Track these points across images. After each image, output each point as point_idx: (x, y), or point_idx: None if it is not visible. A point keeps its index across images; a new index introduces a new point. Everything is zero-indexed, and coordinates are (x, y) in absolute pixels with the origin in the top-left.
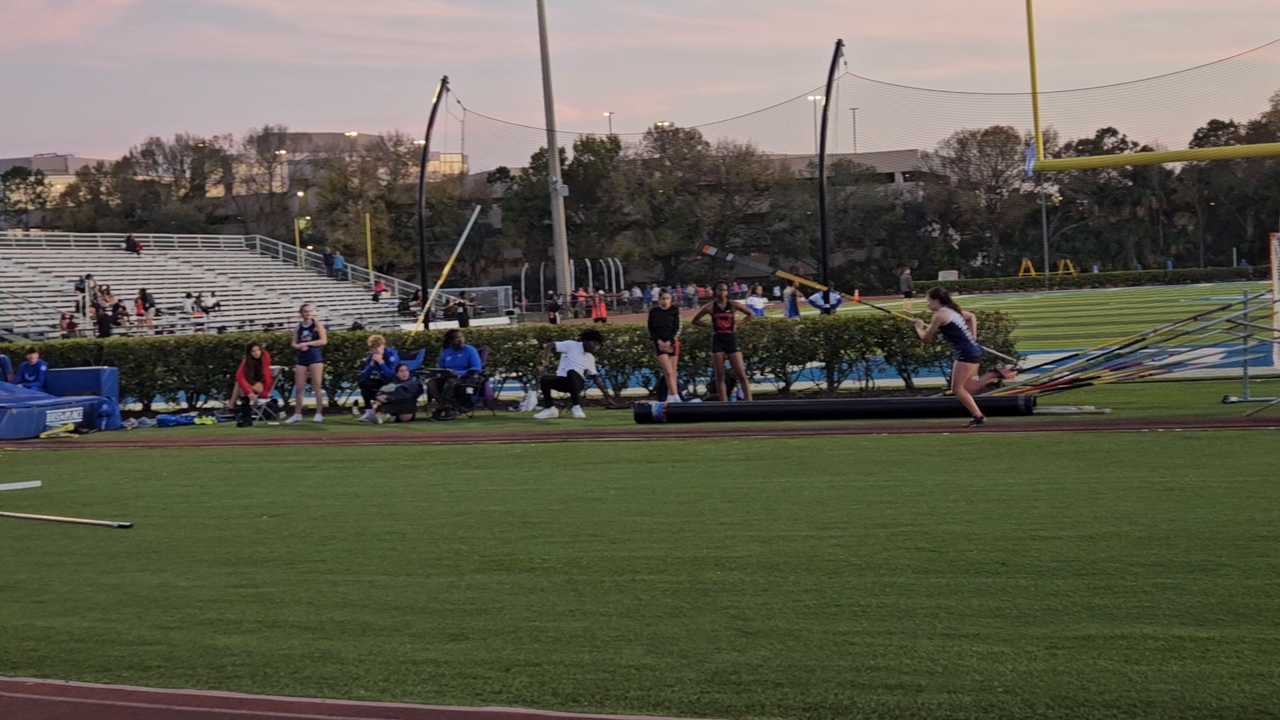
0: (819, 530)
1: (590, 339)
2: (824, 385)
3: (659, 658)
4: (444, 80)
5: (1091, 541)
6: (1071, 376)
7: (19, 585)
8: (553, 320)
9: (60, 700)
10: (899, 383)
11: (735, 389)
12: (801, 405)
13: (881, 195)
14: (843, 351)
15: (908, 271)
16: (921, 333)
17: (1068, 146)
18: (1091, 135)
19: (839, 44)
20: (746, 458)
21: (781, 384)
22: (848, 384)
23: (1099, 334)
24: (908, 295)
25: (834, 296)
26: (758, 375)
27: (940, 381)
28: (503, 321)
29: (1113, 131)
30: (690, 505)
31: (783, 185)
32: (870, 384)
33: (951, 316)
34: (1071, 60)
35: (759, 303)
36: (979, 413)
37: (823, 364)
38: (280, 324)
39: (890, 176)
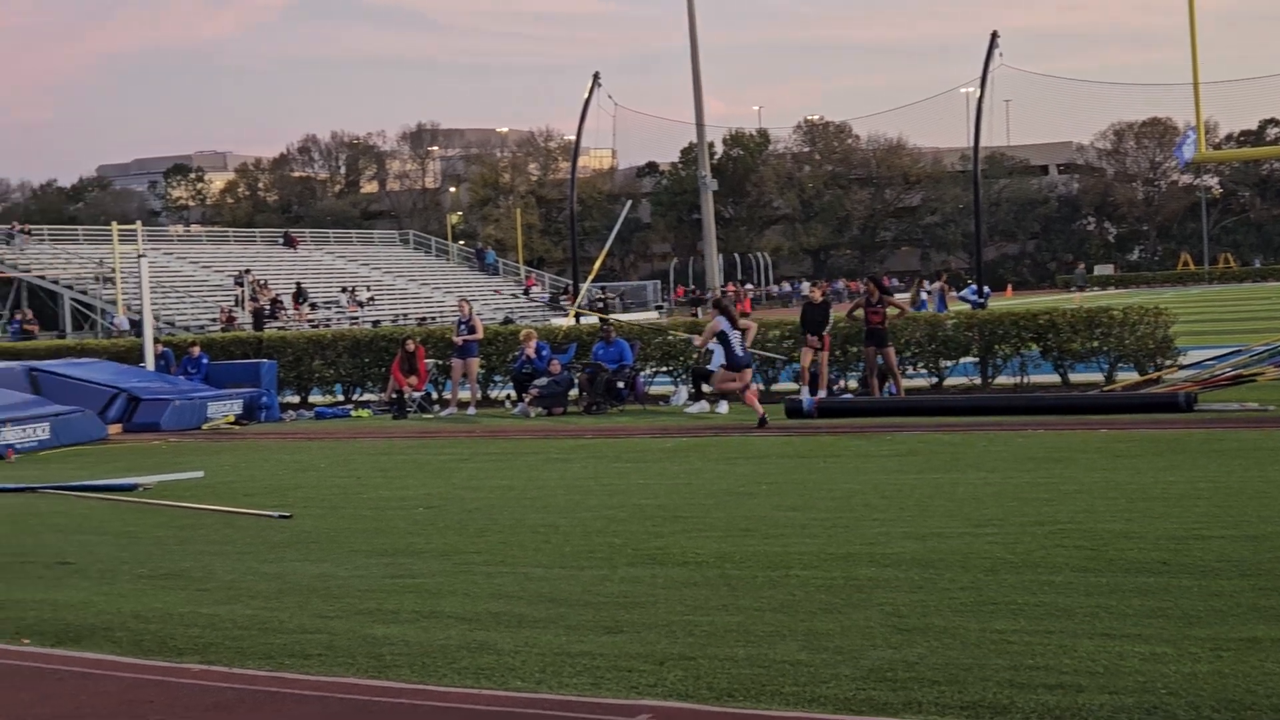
0: (974, 527)
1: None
2: (977, 381)
3: (814, 654)
4: (595, 75)
5: (1257, 541)
6: (1234, 373)
7: (184, 573)
8: (694, 315)
9: (225, 686)
10: (1055, 378)
11: (887, 384)
12: (955, 401)
13: (1035, 188)
14: (997, 347)
15: (1081, 266)
16: (697, 341)
17: (1228, 138)
18: (1254, 126)
19: (994, 35)
20: (899, 453)
21: (934, 379)
22: (1001, 380)
23: (1263, 329)
24: (1079, 289)
25: (986, 290)
26: (909, 371)
27: (1098, 378)
28: (652, 316)
29: (1276, 122)
30: (843, 501)
31: (934, 178)
32: (1025, 380)
33: (723, 325)
34: (1231, 50)
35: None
36: (760, 410)
37: (976, 359)
38: (433, 318)
39: (1044, 169)
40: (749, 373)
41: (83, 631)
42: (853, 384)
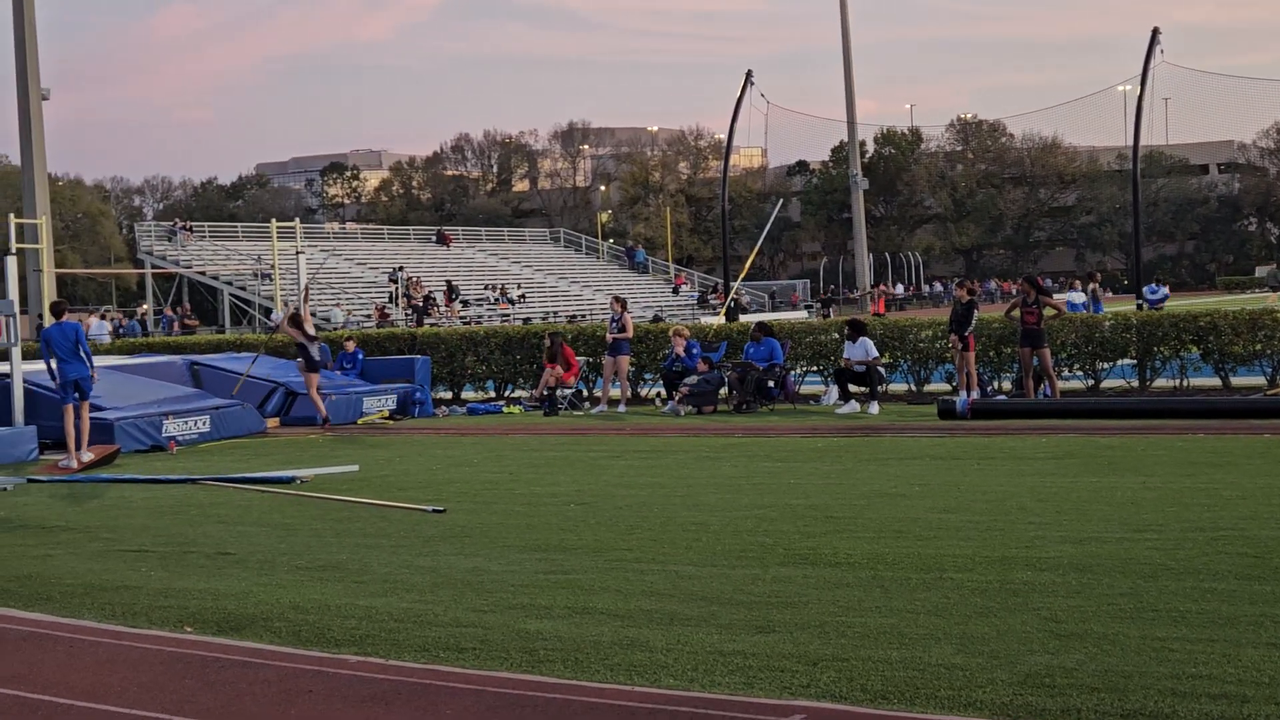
0: (1133, 532)
1: (855, 330)
2: (1135, 383)
3: (969, 657)
4: (748, 74)
5: None
6: None
7: (341, 565)
8: (825, 316)
9: (381, 678)
10: (1215, 381)
11: (1042, 386)
12: (1112, 403)
13: (1194, 188)
14: (1156, 349)
15: (1274, 265)
16: None
17: None
18: None
19: (1155, 32)
20: (1054, 456)
21: (1090, 381)
22: (1160, 383)
23: None
24: (1273, 289)
25: (1161, 290)
26: (1065, 372)
27: (1260, 381)
28: (802, 315)
29: None
30: (997, 504)
31: (1090, 177)
32: (1185, 383)
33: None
34: None
35: (1078, 298)
36: (324, 413)
37: (1134, 361)
38: (582, 316)
39: (1204, 168)
40: None
41: (243, 621)
42: (1006, 385)
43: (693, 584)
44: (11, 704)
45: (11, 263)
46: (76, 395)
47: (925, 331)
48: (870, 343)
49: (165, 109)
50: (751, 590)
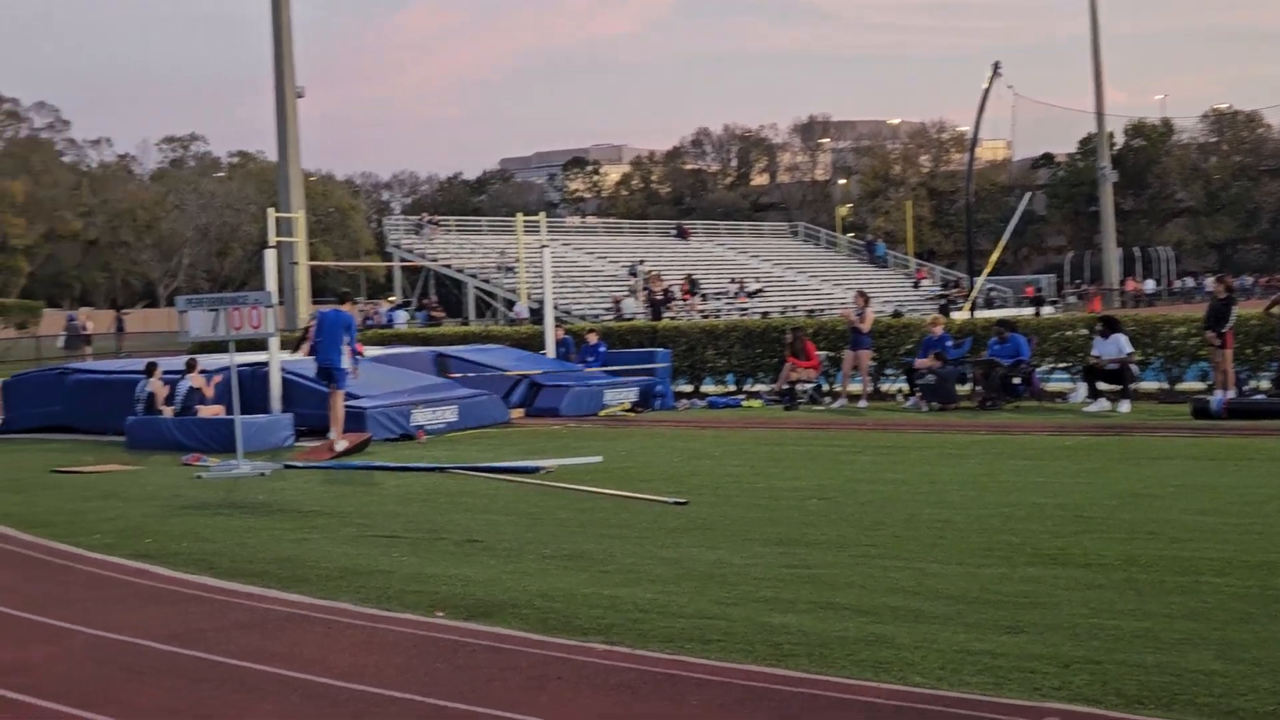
0: None
1: (1108, 326)
2: None
3: (1229, 664)
4: (995, 65)
5: None
6: None
7: (586, 555)
8: (1037, 313)
9: (628, 667)
10: None
11: None
12: None
13: None
14: None
15: None
16: None
17: None
18: None
19: None
20: None
21: None
22: None
23: None
24: None
25: None
26: None
27: None
28: (1047, 311)
29: None
30: (1257, 506)
31: None
32: None
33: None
34: None
35: None
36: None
37: None
38: (821, 310)
39: None
40: None
41: (492, 607)
42: (1265, 384)
43: (938, 582)
44: (275, 682)
45: (270, 255)
46: (326, 381)
47: (1179, 328)
48: (1124, 339)
49: (412, 106)
50: (999, 589)
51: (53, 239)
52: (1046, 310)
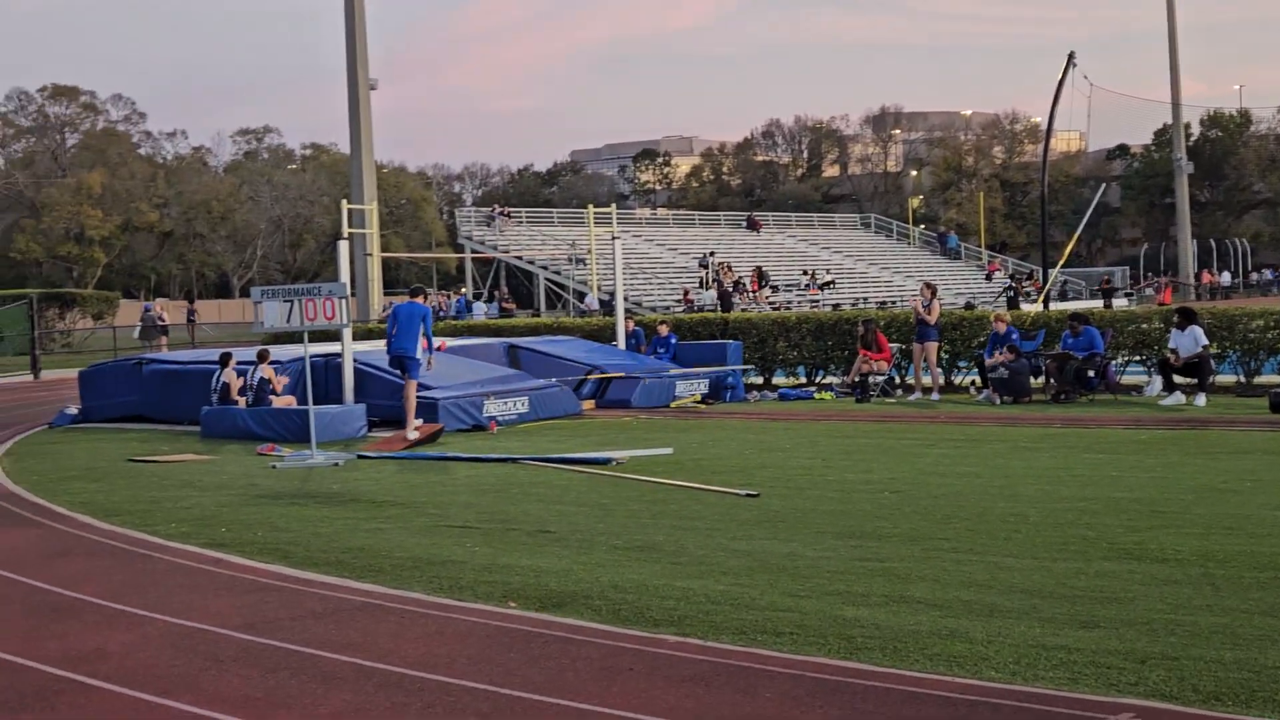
0: None
1: (1185, 318)
2: None
3: None
4: (1070, 55)
5: None
6: None
7: (658, 546)
8: (1107, 306)
9: (700, 659)
10: None
11: None
12: None
13: None
14: None
15: None
16: None
17: None
18: None
19: None
20: None
21: None
22: None
23: None
24: None
25: None
26: None
27: None
28: (1119, 303)
29: None
30: None
31: None
32: None
33: None
34: None
35: None
36: None
37: None
38: (892, 302)
39: None
40: None
41: (564, 598)
42: None
43: (1012, 576)
44: (350, 670)
45: (343, 247)
46: (401, 372)
47: (1256, 321)
48: (1200, 331)
49: (483, 98)
50: (1074, 584)
51: (129, 230)
52: (1118, 303)
